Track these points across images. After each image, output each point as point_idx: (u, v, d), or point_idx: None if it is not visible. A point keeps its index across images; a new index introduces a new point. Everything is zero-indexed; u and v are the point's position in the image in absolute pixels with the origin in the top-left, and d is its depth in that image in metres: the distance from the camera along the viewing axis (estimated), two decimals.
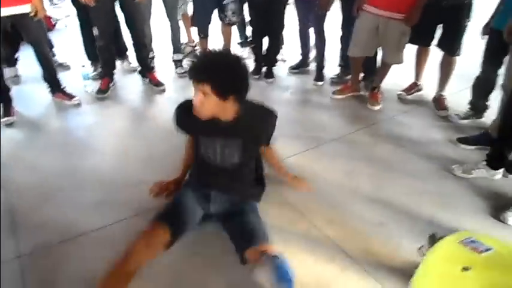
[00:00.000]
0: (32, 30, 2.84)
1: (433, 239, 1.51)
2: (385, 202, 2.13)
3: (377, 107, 3.13)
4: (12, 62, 3.49)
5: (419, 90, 3.31)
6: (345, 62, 3.48)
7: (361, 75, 3.35)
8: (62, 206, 2.11)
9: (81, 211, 2.06)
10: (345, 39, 3.24)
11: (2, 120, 2.84)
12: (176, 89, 3.47)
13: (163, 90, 3.39)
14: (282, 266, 1.39)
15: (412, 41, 2.98)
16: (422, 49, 3.15)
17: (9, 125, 2.85)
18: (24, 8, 2.66)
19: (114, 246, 1.70)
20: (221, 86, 1.49)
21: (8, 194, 2.19)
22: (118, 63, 3.54)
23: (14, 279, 1.69)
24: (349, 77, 3.43)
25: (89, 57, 3.55)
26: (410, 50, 3.08)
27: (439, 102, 3.09)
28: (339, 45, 3.49)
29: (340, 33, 3.39)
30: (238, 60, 1.53)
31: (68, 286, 1.66)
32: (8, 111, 2.90)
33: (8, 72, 3.36)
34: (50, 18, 4.25)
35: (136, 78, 3.51)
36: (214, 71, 1.48)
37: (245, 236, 1.64)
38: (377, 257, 1.79)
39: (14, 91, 3.03)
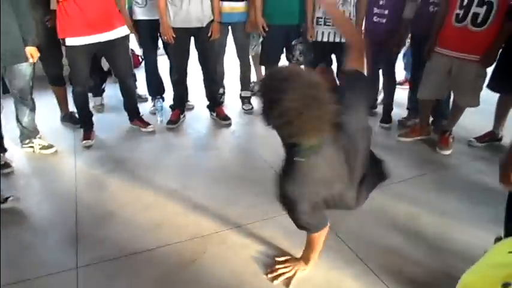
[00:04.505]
0: (121, 65, 3.17)
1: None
2: (448, 251, 1.97)
3: (447, 152, 2.94)
4: (100, 93, 3.86)
5: (497, 140, 3.05)
6: (414, 104, 3.35)
7: (431, 118, 3.21)
8: (122, 223, 2.22)
9: (138, 230, 2.15)
10: (415, 82, 3.15)
11: (82, 143, 3.12)
12: (241, 124, 3.56)
13: (229, 124, 3.50)
14: None
15: (494, 89, 2.82)
16: (506, 97, 2.92)
17: (87, 147, 3.11)
18: (117, 33, 2.99)
19: (164, 268, 1.86)
20: None
21: (78, 208, 2.36)
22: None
23: None
24: (417, 120, 3.29)
25: (149, 92, 3.80)
26: (487, 94, 2.88)
27: None
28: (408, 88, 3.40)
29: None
30: None
31: None
32: (89, 135, 3.18)
33: (94, 101, 3.75)
34: (138, 56, 4.69)
35: (205, 111, 3.67)
36: None
37: None
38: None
39: (97, 118, 3.35)
